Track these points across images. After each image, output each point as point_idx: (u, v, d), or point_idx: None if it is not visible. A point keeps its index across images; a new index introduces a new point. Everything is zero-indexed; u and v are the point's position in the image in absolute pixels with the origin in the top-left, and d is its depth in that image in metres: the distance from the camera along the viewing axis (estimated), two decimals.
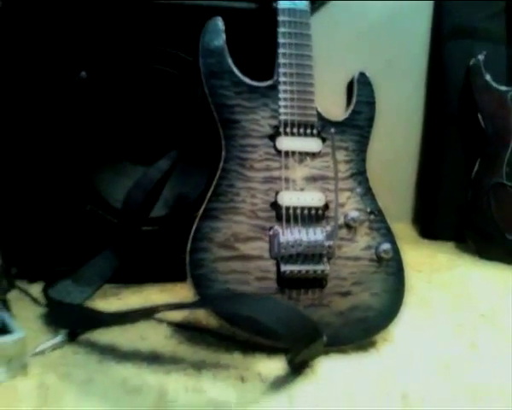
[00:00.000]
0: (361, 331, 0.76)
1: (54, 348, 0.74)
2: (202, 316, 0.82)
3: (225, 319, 0.72)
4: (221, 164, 0.76)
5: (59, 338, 0.75)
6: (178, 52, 0.90)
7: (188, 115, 0.93)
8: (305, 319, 0.68)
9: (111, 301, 0.89)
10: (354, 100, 0.83)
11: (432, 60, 1.40)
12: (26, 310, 0.83)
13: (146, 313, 0.76)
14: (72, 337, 0.76)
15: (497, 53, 1.29)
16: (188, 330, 0.80)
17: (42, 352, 0.72)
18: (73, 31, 0.86)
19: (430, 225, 1.37)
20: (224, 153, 0.76)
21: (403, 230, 1.38)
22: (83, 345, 0.75)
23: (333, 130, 0.78)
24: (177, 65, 0.91)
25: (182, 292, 0.87)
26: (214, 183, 0.75)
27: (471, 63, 1.25)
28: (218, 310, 0.71)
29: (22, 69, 0.86)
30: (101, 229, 0.93)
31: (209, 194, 0.75)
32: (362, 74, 0.84)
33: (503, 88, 1.23)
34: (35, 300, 0.87)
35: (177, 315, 0.84)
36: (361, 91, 0.83)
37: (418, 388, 0.68)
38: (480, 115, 1.24)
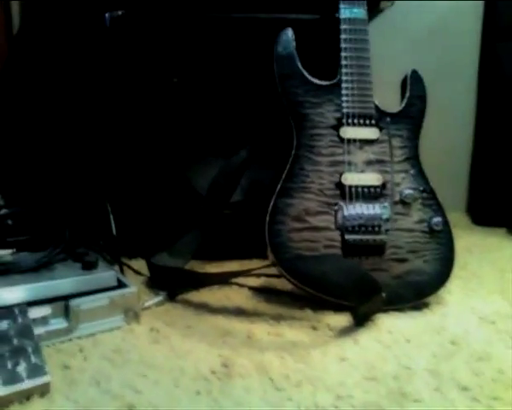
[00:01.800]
0: (416, 293, 0.88)
1: (157, 305, 0.90)
2: (277, 282, 0.96)
3: (298, 279, 0.85)
4: (293, 151, 0.90)
5: (160, 297, 0.91)
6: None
7: (262, 113, 1.08)
8: (365, 274, 0.81)
9: None
10: (408, 94, 0.95)
11: (483, 59, 1.48)
12: (129, 278, 1.00)
13: (233, 275, 0.91)
14: (170, 297, 0.92)
15: None
16: (265, 293, 0.95)
17: (148, 307, 0.88)
18: (168, 48, 1.04)
19: (482, 212, 1.45)
20: (295, 142, 0.90)
21: (457, 218, 1.46)
22: (180, 303, 0.91)
23: (388, 119, 0.91)
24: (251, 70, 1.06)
25: (257, 266, 0.98)
26: (288, 166, 0.89)
27: None
28: (293, 270, 0.85)
29: (131, 79, 1.04)
30: (189, 213, 1.08)
31: (283, 176, 0.89)
32: (414, 72, 0.96)
33: None
34: (136, 271, 1.04)
35: (256, 282, 0.99)
36: (413, 86, 0.95)
37: (465, 336, 0.79)
38: None
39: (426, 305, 0.89)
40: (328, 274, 0.83)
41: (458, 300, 0.93)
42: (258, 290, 0.96)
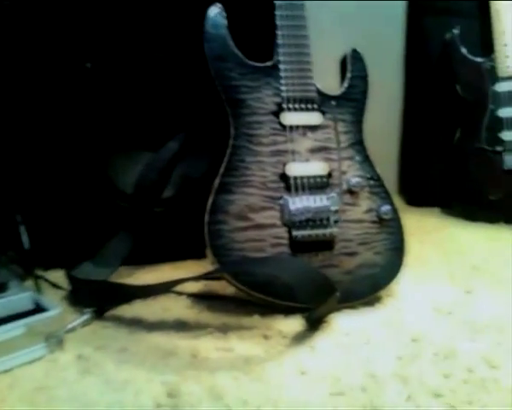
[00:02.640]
0: (368, 287, 0.82)
1: (83, 325, 0.78)
2: (218, 286, 0.87)
3: (245, 284, 0.77)
4: (231, 141, 0.81)
5: (87, 315, 0.79)
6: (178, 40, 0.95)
7: (192, 99, 0.97)
8: (317, 272, 0.74)
9: (127, 282, 0.93)
10: (349, 75, 0.88)
11: (409, 36, 1.46)
12: (47, 295, 0.87)
13: (169, 285, 0.81)
14: (98, 314, 0.81)
15: (470, 27, 1.35)
16: (207, 300, 0.85)
17: (72, 329, 0.76)
18: (78, 28, 0.90)
19: (416, 193, 1.45)
20: (232, 131, 0.81)
21: None
22: (110, 320, 0.80)
23: (333, 102, 0.84)
24: (179, 52, 0.95)
25: (193, 268, 0.89)
26: (226, 159, 0.80)
27: (447, 37, 1.32)
28: (238, 274, 0.76)
29: (36, 65, 0.89)
30: (113, 214, 0.96)
31: (221, 169, 0.79)
32: (354, 51, 0.90)
33: (479, 59, 1.30)
34: (54, 285, 0.91)
35: (195, 287, 0.89)
36: (354, 66, 0.89)
37: (425, 331, 0.74)
38: (458, 85, 1.31)
39: (377, 299, 0.84)
40: (277, 276, 0.75)
41: (409, 290, 0.89)
42: (199, 297, 0.87)
